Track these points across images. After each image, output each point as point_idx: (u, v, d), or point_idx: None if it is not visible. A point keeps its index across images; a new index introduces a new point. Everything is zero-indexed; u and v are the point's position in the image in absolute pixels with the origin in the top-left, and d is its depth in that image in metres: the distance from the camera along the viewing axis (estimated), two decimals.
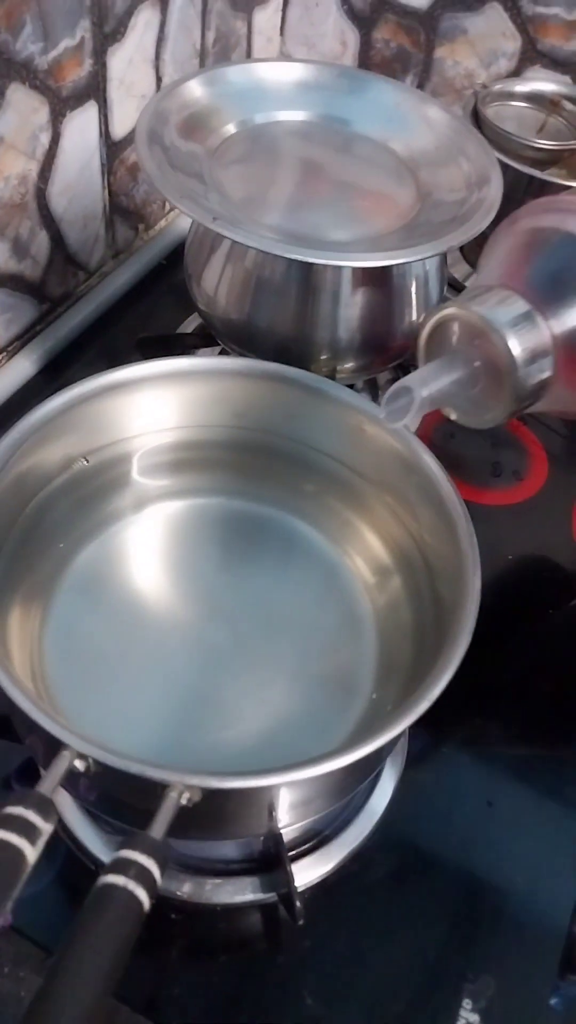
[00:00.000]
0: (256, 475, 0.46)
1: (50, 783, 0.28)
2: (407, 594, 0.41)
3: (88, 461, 0.42)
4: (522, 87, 0.67)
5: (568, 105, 0.65)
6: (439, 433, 0.59)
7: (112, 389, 0.40)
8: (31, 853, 0.25)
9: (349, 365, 0.52)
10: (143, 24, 0.61)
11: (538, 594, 0.53)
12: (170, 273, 0.72)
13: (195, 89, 0.50)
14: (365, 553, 0.44)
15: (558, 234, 0.36)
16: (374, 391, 0.61)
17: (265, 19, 0.78)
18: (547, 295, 0.35)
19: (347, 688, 0.40)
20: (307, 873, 0.40)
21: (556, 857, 0.43)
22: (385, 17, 0.76)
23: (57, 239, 0.63)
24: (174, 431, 0.44)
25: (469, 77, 0.76)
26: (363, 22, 0.77)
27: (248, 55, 0.78)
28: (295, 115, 0.52)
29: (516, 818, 0.43)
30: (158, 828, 0.27)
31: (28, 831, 0.25)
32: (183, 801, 0.29)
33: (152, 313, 0.69)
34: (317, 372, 0.44)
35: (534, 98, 0.67)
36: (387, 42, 0.78)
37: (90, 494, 0.43)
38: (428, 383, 0.35)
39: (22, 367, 0.62)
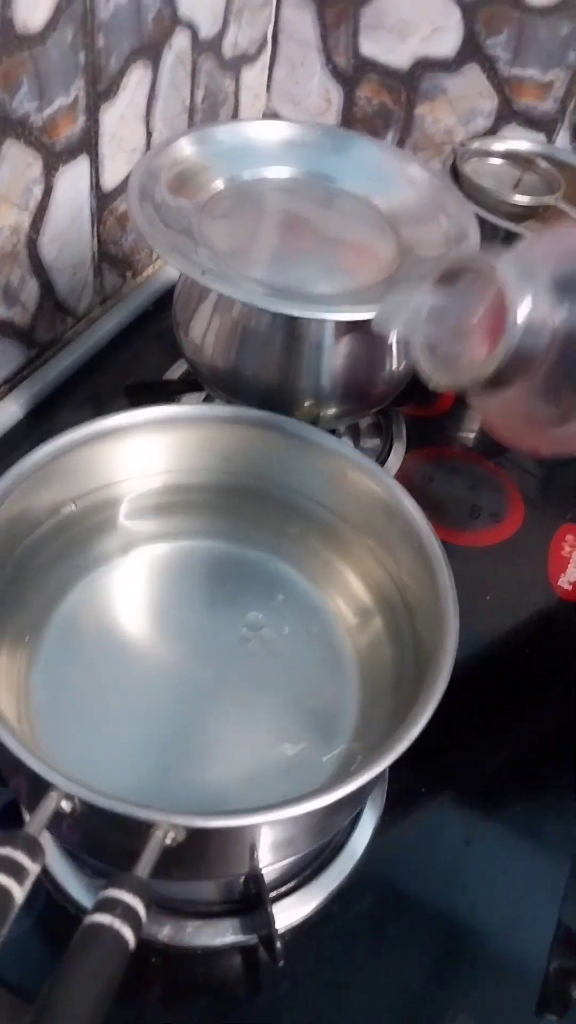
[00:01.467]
0: (241, 518, 0.47)
1: (37, 823, 0.28)
2: (388, 635, 0.43)
3: (76, 506, 0.43)
4: (499, 145, 0.70)
5: (542, 163, 0.68)
6: (419, 476, 0.61)
7: (101, 436, 0.42)
8: (19, 893, 0.26)
9: (332, 412, 0.54)
10: (135, 83, 0.64)
11: (515, 634, 0.54)
12: (157, 319, 0.74)
13: (185, 147, 0.52)
14: (347, 595, 0.45)
15: None
16: (356, 437, 0.62)
17: (252, 77, 0.81)
18: (566, 291, 0.35)
19: (329, 728, 0.41)
20: (288, 914, 0.40)
21: (533, 896, 0.43)
22: (367, 76, 0.80)
23: (46, 286, 0.65)
24: (161, 476, 0.46)
25: (448, 134, 0.79)
26: (346, 81, 0.81)
27: (236, 111, 0.81)
28: (281, 172, 0.55)
29: (494, 857, 0.44)
30: (143, 867, 0.28)
31: (15, 871, 0.26)
32: (167, 841, 0.30)
33: (138, 359, 0.70)
34: (301, 418, 0.46)
35: (510, 156, 0.70)
36: (369, 100, 0.81)
37: (78, 538, 0.44)
38: (424, 298, 0.36)
39: (9, 411, 0.63)
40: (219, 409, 0.45)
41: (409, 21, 0.75)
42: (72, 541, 0.44)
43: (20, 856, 0.27)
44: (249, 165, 0.54)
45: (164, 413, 0.44)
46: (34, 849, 0.27)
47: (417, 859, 0.44)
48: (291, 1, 0.79)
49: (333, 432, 0.46)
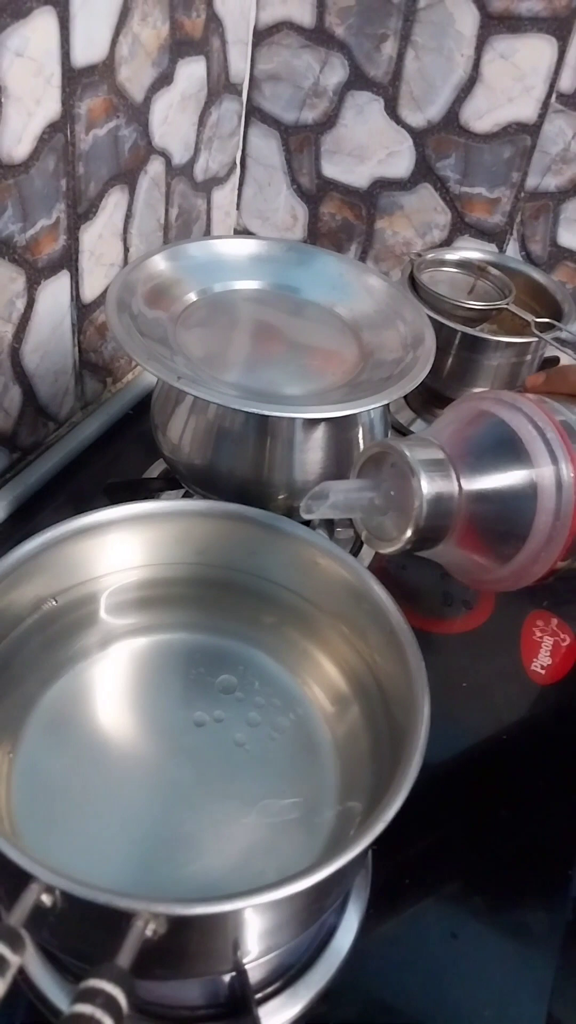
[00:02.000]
0: (218, 609, 0.48)
1: (19, 915, 0.28)
2: (365, 721, 0.43)
3: (57, 601, 0.45)
4: (452, 255, 0.75)
5: (494, 270, 0.73)
6: (392, 564, 0.63)
7: (81, 533, 0.43)
8: (0, 986, 0.26)
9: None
10: (113, 204, 0.69)
11: (493, 721, 0.55)
12: (136, 422, 0.77)
13: (159, 263, 0.56)
14: (324, 682, 0.46)
15: (489, 415, 0.42)
16: (330, 527, 0.64)
17: (223, 196, 0.87)
18: (467, 459, 0.41)
19: (309, 818, 0.41)
20: (274, 1017, 0.40)
21: (522, 989, 0.43)
22: (330, 195, 0.86)
23: (29, 393, 0.67)
24: (139, 570, 0.47)
25: (407, 244, 0.85)
26: (310, 198, 0.87)
27: (208, 228, 0.86)
28: (250, 284, 0.59)
29: (481, 950, 0.44)
30: (124, 957, 0.28)
31: None
32: (148, 932, 0.30)
33: (118, 460, 0.73)
34: (275, 511, 0.48)
35: (463, 264, 0.75)
36: (333, 215, 0.87)
37: (58, 633, 0.45)
38: (344, 492, 0.41)
39: None
40: (193, 503, 0.47)
41: (365, 146, 0.81)
42: (53, 637, 0.45)
43: (1, 947, 0.27)
44: (220, 278, 0.58)
45: (141, 509, 0.45)
46: (16, 941, 0.27)
47: (404, 954, 0.43)
48: (257, 131, 0.85)
49: (306, 524, 0.48)
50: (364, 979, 0.42)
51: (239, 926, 0.33)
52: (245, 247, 0.60)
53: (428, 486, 0.39)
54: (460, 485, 0.40)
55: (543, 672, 0.58)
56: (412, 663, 0.38)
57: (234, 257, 0.59)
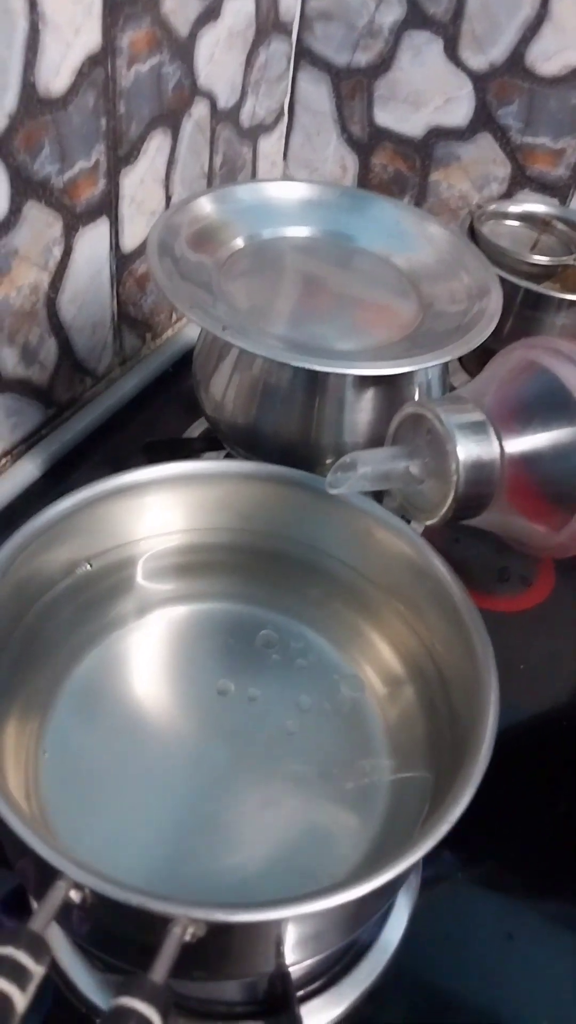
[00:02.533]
0: (262, 579, 0.44)
1: (43, 918, 0.25)
2: (420, 706, 0.39)
3: (92, 565, 0.41)
4: (515, 207, 0.70)
5: (559, 225, 0.68)
6: (444, 537, 0.58)
7: (118, 493, 0.39)
8: (21, 1000, 0.23)
9: None
10: (155, 148, 0.64)
11: (553, 706, 0.51)
12: (175, 381, 0.73)
13: (205, 205, 0.51)
14: (374, 662, 0.42)
15: (535, 367, 0.37)
16: (378, 495, 0.60)
17: (269, 145, 0.82)
18: (511, 417, 0.37)
19: (357, 808, 0.38)
20: (317, 1017, 0.36)
21: None
22: (382, 144, 0.80)
23: (65, 346, 0.64)
24: (179, 534, 0.43)
25: (463, 199, 0.79)
26: (361, 148, 0.81)
27: (253, 177, 0.81)
28: (300, 231, 0.54)
29: (539, 952, 0.40)
30: (160, 970, 0.24)
31: (18, 975, 0.23)
32: (187, 937, 0.26)
33: (157, 419, 0.69)
34: (321, 475, 0.43)
35: (527, 218, 0.69)
36: (384, 167, 0.81)
37: (93, 599, 0.41)
38: (373, 463, 0.37)
39: (27, 470, 0.62)
40: (239, 465, 0.43)
41: (422, 92, 0.75)
42: (87, 604, 0.41)
43: (23, 957, 0.23)
44: (269, 224, 0.53)
45: (182, 469, 0.41)
46: (39, 948, 0.24)
47: (455, 954, 0.40)
48: (307, 75, 0.79)
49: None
50: (412, 979, 0.39)
51: (285, 931, 0.30)
52: (296, 191, 0.55)
53: (466, 452, 0.35)
54: (502, 448, 0.36)
55: None
56: (479, 648, 0.34)
57: (284, 202, 0.54)
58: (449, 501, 0.36)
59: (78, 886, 0.27)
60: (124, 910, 0.26)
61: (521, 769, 0.47)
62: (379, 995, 0.38)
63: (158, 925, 0.26)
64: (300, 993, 0.36)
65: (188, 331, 0.77)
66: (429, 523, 0.38)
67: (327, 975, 0.38)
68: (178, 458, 0.42)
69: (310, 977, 0.37)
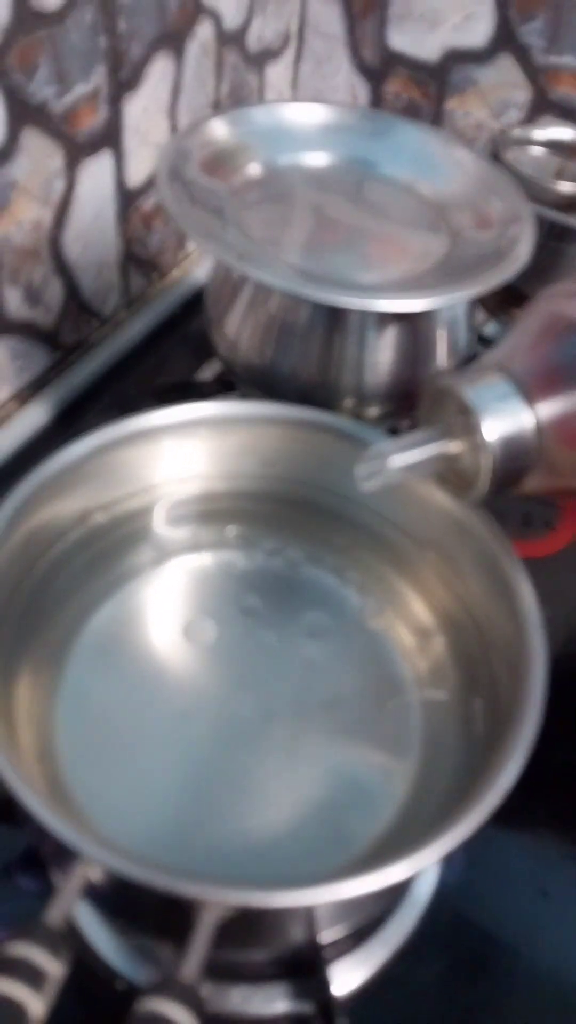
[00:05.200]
0: (285, 528, 0.40)
1: (61, 908, 0.22)
2: (453, 658, 0.36)
3: (105, 514, 0.37)
4: (540, 134, 0.64)
5: None
6: None
7: (133, 438, 0.35)
8: (37, 1006, 0.19)
9: (373, 411, 0.47)
10: (158, 73, 0.58)
11: None
12: (184, 323, 0.68)
13: (218, 128, 0.46)
14: (404, 613, 0.38)
15: (565, 321, 0.33)
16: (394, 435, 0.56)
17: (277, 73, 0.75)
18: (544, 380, 0.33)
19: (388, 764, 0.35)
20: (346, 977, 0.34)
21: None
22: (396, 71, 0.73)
23: (71, 286, 0.59)
24: (198, 481, 0.39)
25: (480, 127, 0.73)
26: (373, 75, 0.74)
27: None
28: (319, 157, 0.48)
29: (574, 909, 0.37)
30: (190, 966, 0.21)
31: (33, 978, 0.20)
32: (218, 921, 0.23)
33: (166, 362, 0.64)
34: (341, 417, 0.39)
35: (552, 144, 0.63)
36: (398, 95, 0.74)
37: (107, 549, 0.38)
38: (403, 452, 0.33)
39: (35, 415, 0.58)
40: (261, 407, 0.38)
41: (439, 9, 0.68)
42: (101, 553, 0.37)
43: (39, 956, 0.20)
44: (286, 149, 0.47)
45: (201, 412, 0.37)
46: (57, 945, 0.21)
47: (489, 910, 0.37)
48: None
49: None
50: (444, 938, 0.36)
51: (318, 908, 0.27)
52: (315, 114, 0.49)
53: (495, 430, 0.31)
54: (537, 417, 0.32)
55: None
56: (521, 602, 0.30)
57: (302, 125, 0.48)
58: (486, 478, 0.32)
59: (99, 866, 0.23)
60: (151, 891, 0.23)
61: (549, 720, 0.43)
62: (411, 955, 0.35)
63: (187, 907, 0.23)
64: (328, 955, 0.33)
65: (196, 271, 0.72)
66: (466, 500, 0.34)
67: (355, 935, 0.35)
68: (190, 401, 0.37)
69: (341, 936, 0.34)
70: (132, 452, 0.36)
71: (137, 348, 0.65)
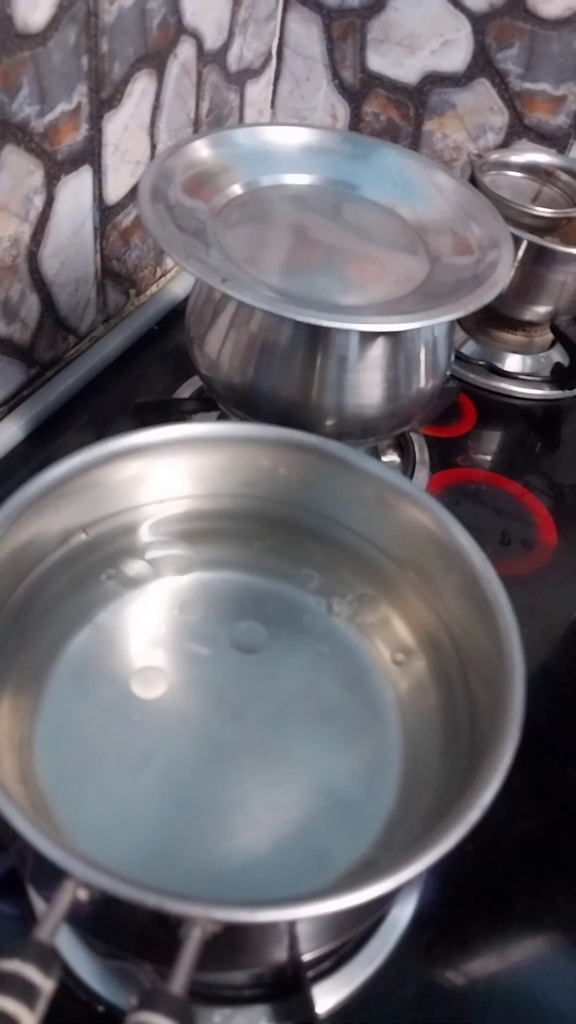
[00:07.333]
0: (267, 547, 0.41)
1: (50, 925, 0.23)
2: (433, 677, 0.37)
3: (87, 535, 0.38)
4: (517, 157, 0.66)
5: (562, 175, 0.64)
6: (444, 501, 0.56)
7: (116, 457, 0.36)
8: (31, 1021, 0.20)
9: (354, 431, 0.49)
10: (139, 92, 0.59)
11: (556, 671, 0.49)
12: (161, 339, 0.69)
13: (201, 149, 0.47)
14: (384, 633, 0.40)
15: None
16: (374, 451, 0.57)
17: (257, 92, 0.77)
18: None
19: (369, 784, 0.36)
20: (326, 998, 0.35)
21: None
22: (375, 92, 0.76)
23: (48, 302, 0.60)
24: (180, 501, 0.40)
25: (457, 149, 0.75)
26: (353, 96, 0.77)
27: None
28: (301, 178, 0.50)
29: (555, 927, 0.39)
30: (180, 980, 0.22)
31: (26, 993, 0.20)
32: (205, 936, 0.24)
33: (143, 379, 0.65)
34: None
35: (529, 168, 0.66)
36: (377, 115, 0.77)
37: (89, 570, 0.38)
38: None
39: (9, 432, 0.58)
40: (245, 428, 0.40)
41: (418, 34, 0.71)
42: (83, 574, 0.38)
43: (31, 971, 0.21)
44: (268, 170, 0.49)
45: (182, 432, 0.38)
46: (48, 961, 0.21)
47: (467, 929, 0.38)
48: (297, 15, 0.75)
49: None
50: (424, 957, 0.37)
51: (302, 924, 0.27)
52: (297, 136, 0.51)
53: None
54: None
55: None
56: (502, 624, 0.32)
57: (284, 147, 0.50)
58: None
59: (86, 885, 0.24)
60: (138, 909, 0.24)
61: (524, 736, 0.45)
62: (391, 974, 0.36)
63: (173, 924, 0.24)
64: (310, 974, 0.34)
65: (173, 287, 0.74)
66: None
67: (336, 954, 0.36)
68: (170, 419, 0.38)
69: (319, 957, 0.35)
70: (114, 472, 0.37)
71: (114, 365, 0.66)
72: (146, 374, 0.66)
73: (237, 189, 0.48)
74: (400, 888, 0.25)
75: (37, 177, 0.53)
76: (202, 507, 0.40)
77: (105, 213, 0.62)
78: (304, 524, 0.41)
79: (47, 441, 0.59)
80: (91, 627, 0.38)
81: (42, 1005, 0.21)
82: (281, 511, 0.40)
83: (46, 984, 0.21)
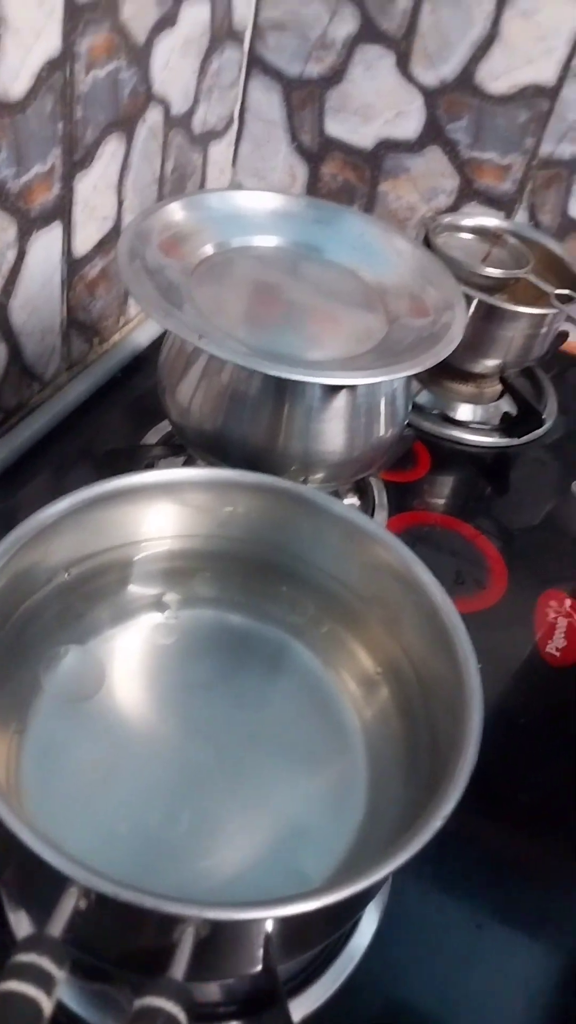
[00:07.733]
0: (240, 585, 0.45)
1: (59, 923, 0.26)
2: (396, 706, 0.41)
3: (71, 573, 0.41)
4: (468, 221, 0.73)
5: (510, 239, 0.71)
6: (403, 542, 0.61)
7: (102, 500, 0.40)
8: (47, 1005, 0.23)
9: (318, 476, 0.53)
10: (109, 154, 0.64)
11: (509, 704, 0.54)
12: (123, 386, 0.73)
13: (176, 212, 0.52)
14: (351, 664, 0.44)
15: None
16: (335, 492, 0.62)
17: (219, 152, 0.83)
18: None
19: (337, 806, 0.39)
20: (295, 1013, 0.38)
21: (550, 980, 0.42)
22: (332, 154, 0.82)
23: (14, 351, 0.63)
24: (158, 541, 0.44)
25: (411, 210, 0.82)
26: (311, 157, 0.83)
27: (203, 183, 0.82)
28: (269, 240, 0.55)
29: (508, 941, 0.42)
30: (179, 969, 0.25)
31: (43, 980, 0.23)
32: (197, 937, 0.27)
33: (106, 426, 0.69)
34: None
35: (479, 231, 0.72)
36: (334, 176, 0.83)
37: (72, 606, 0.42)
38: None
39: None
40: (218, 473, 0.44)
41: (373, 105, 0.78)
42: (67, 610, 0.41)
43: (46, 962, 0.24)
44: (238, 233, 0.54)
45: (159, 477, 0.42)
46: (59, 953, 0.24)
47: (428, 944, 0.42)
48: (259, 83, 0.81)
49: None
50: (387, 971, 0.40)
51: (276, 929, 0.31)
52: (265, 201, 0.56)
53: None
54: None
55: (558, 654, 0.56)
56: (460, 653, 0.36)
57: (253, 211, 0.55)
58: None
59: (86, 892, 0.27)
60: (136, 914, 0.27)
61: (479, 765, 0.49)
62: (356, 987, 0.39)
63: (167, 927, 0.27)
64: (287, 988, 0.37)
65: (136, 335, 0.78)
66: None
67: (305, 971, 0.39)
68: (139, 465, 0.42)
69: (290, 974, 0.38)
70: (98, 514, 0.40)
71: (77, 411, 0.70)
72: (109, 420, 0.69)
73: (209, 249, 0.53)
74: (375, 887, 0.29)
75: (11, 233, 0.57)
76: (180, 547, 0.44)
77: (72, 266, 0.66)
78: (275, 563, 0.45)
79: (10, 485, 0.61)
80: (75, 658, 0.42)
81: (56, 993, 0.24)
82: (253, 551, 0.45)
83: (59, 974, 0.24)
